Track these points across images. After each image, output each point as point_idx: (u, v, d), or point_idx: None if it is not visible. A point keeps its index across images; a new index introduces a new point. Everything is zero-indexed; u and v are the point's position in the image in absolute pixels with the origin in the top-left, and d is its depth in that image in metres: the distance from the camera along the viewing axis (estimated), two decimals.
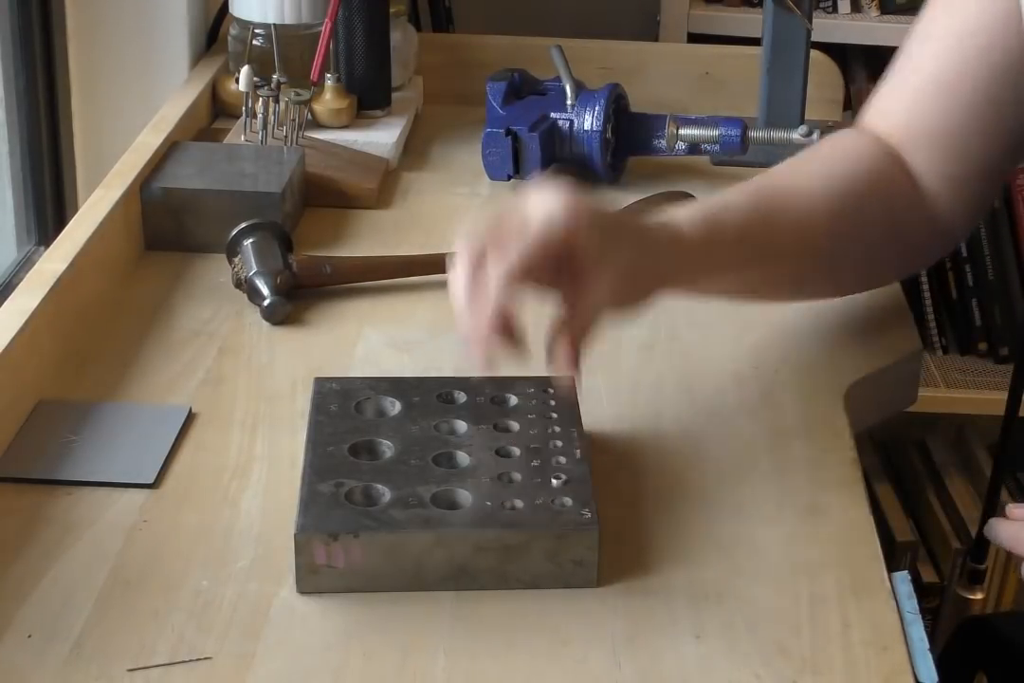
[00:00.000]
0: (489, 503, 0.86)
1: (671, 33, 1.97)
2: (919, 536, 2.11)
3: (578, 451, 0.92)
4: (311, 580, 0.84)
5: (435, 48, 1.67)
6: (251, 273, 1.16)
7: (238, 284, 1.18)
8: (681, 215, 0.97)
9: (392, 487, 0.87)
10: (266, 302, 1.15)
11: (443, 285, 1.14)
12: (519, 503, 0.87)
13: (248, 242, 1.19)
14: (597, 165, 1.41)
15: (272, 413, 1.03)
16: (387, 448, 0.92)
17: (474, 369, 0.89)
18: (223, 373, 1.08)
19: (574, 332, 0.90)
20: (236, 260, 1.18)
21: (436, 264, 1.19)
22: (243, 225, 1.19)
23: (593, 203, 0.91)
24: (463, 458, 0.91)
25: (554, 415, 0.95)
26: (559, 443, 0.93)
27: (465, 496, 0.87)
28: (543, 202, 0.89)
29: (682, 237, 0.95)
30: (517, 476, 0.89)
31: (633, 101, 1.47)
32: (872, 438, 2.18)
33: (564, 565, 0.85)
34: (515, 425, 0.94)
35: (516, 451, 0.92)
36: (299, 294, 1.18)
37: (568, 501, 0.87)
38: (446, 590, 0.85)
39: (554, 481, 0.88)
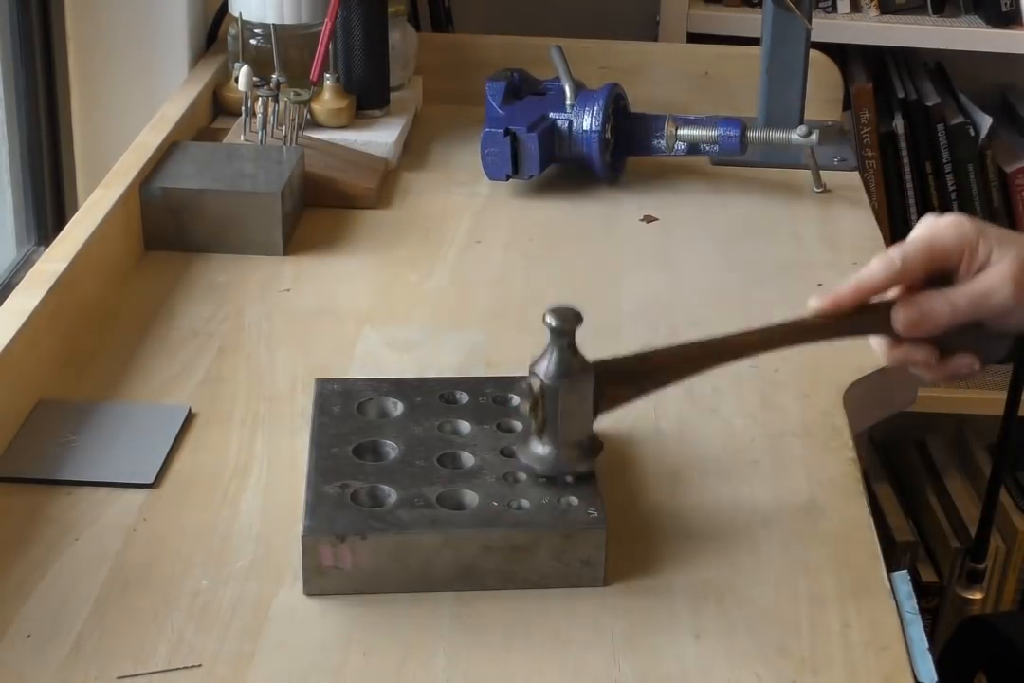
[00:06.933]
0: (495, 503, 0.86)
1: (671, 33, 1.96)
2: (919, 536, 2.11)
3: None
4: (318, 582, 0.84)
5: (435, 48, 1.67)
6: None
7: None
8: None
9: (398, 488, 0.87)
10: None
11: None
12: (525, 503, 0.86)
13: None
14: (596, 165, 1.41)
15: (272, 413, 1.03)
16: (391, 449, 0.92)
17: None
18: (223, 373, 1.08)
19: None
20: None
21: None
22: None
23: None
24: (468, 458, 0.91)
25: None
26: None
27: (471, 496, 0.87)
28: None
29: None
30: (522, 476, 0.88)
31: (633, 101, 1.47)
32: (872, 438, 2.18)
33: (571, 564, 0.85)
34: (518, 425, 0.94)
35: None
36: None
37: (574, 500, 0.87)
38: (453, 591, 0.85)
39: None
